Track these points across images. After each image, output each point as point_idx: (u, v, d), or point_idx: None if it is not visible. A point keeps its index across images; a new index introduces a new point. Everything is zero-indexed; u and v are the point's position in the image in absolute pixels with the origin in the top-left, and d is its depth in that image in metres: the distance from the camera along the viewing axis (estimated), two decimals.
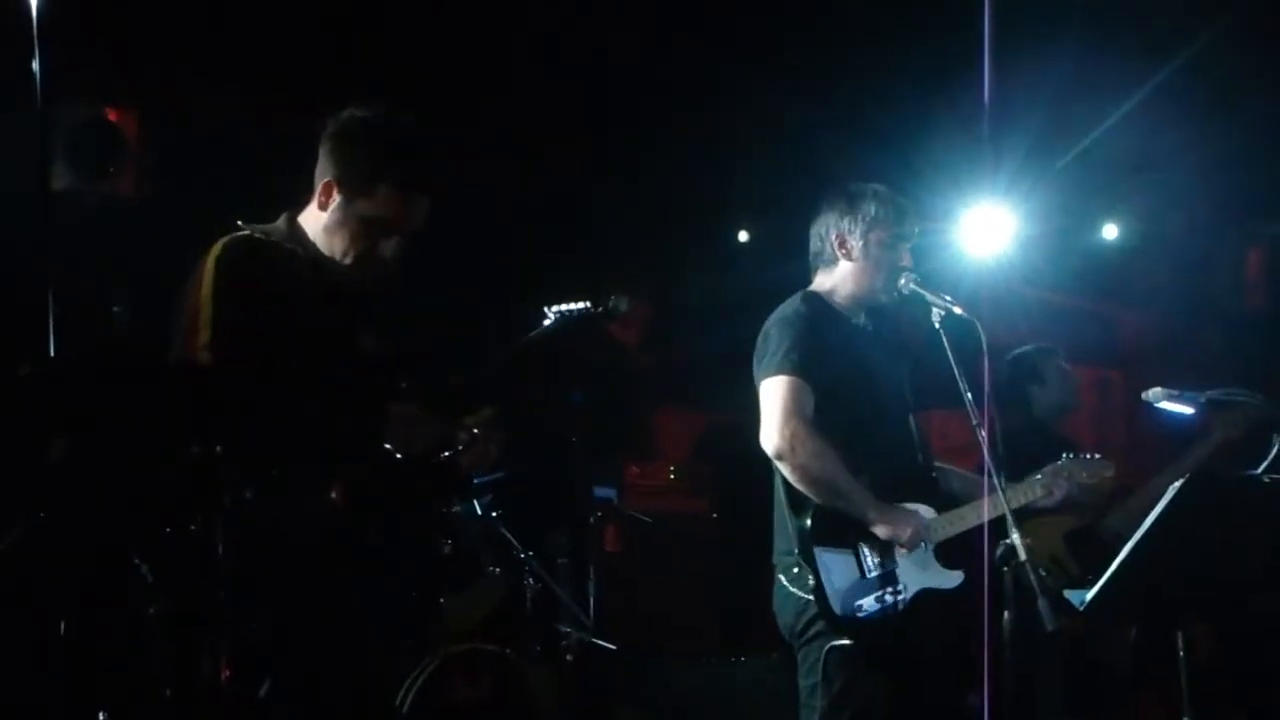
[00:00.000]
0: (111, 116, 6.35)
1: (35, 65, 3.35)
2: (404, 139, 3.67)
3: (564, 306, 5.29)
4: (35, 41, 3.35)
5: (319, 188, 3.67)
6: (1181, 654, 3.93)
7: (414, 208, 3.68)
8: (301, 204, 3.74)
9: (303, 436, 3.50)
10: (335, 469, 3.60)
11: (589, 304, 5.28)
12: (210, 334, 3.44)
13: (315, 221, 3.69)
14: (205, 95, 6.58)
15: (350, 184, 3.64)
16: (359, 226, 3.64)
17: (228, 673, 3.28)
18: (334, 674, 3.58)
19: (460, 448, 3.76)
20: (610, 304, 5.47)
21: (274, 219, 3.72)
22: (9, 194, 3.86)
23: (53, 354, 3.33)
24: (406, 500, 3.88)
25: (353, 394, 3.62)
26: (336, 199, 3.65)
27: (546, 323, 5.28)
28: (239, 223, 3.63)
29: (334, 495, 3.59)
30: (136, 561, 3.56)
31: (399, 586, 4.88)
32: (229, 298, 3.48)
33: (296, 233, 3.70)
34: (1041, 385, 6.17)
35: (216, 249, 3.56)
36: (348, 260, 3.66)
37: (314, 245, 3.68)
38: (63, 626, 3.49)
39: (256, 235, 3.62)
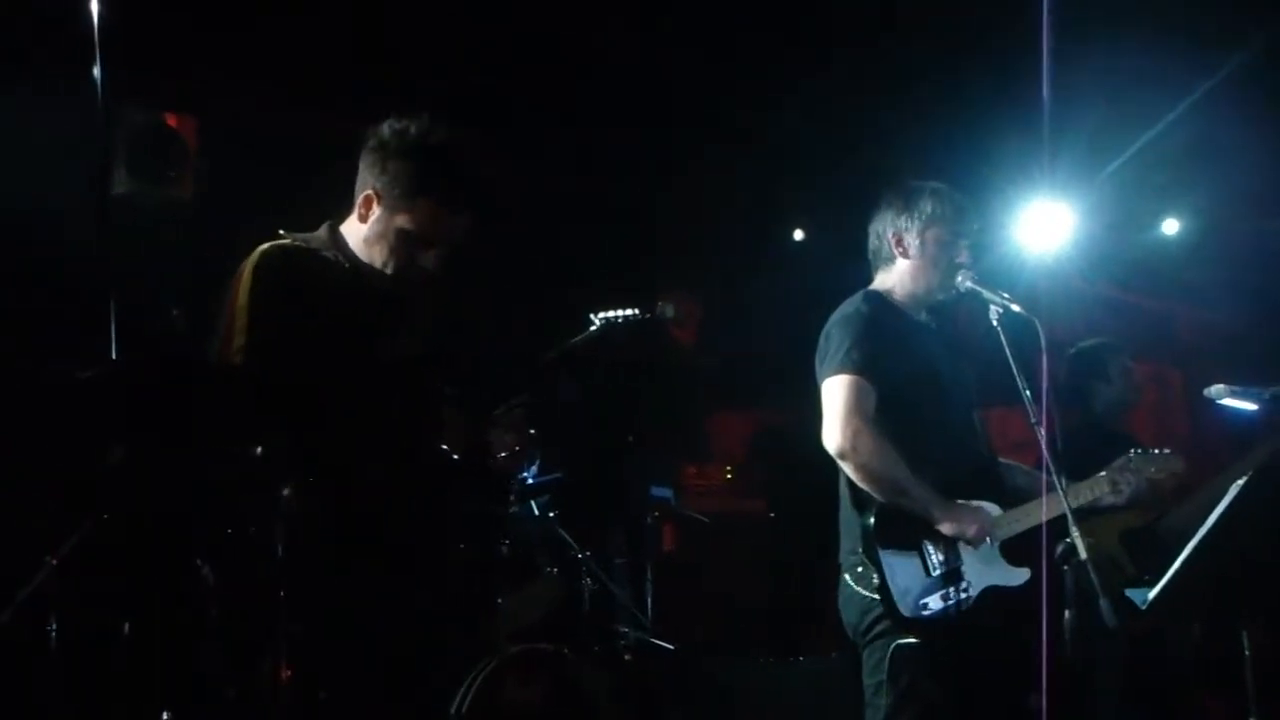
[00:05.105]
0: (171, 122, 6.41)
1: (97, 71, 3.39)
2: (442, 154, 3.69)
3: (611, 313, 5.30)
4: (97, 47, 3.39)
5: (359, 200, 3.72)
6: (1247, 653, 3.88)
7: (453, 221, 3.71)
8: (345, 212, 3.78)
9: (338, 441, 3.53)
10: (383, 471, 3.63)
11: (636, 310, 5.29)
12: (244, 339, 3.50)
13: (356, 232, 3.74)
14: (265, 102, 6.64)
15: (390, 198, 3.67)
16: (398, 240, 3.68)
17: (288, 673, 3.30)
18: (391, 675, 3.60)
19: (515, 449, 3.78)
20: (657, 310, 5.47)
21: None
22: (72, 199, 3.90)
23: (114, 356, 3.37)
24: (458, 502, 3.89)
25: (398, 398, 3.65)
26: (376, 212, 3.69)
27: (592, 329, 5.30)
28: (280, 231, 3.68)
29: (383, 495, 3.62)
30: (198, 563, 3.59)
31: (455, 588, 4.91)
32: (262, 305, 3.54)
33: (338, 241, 3.75)
34: (1107, 382, 6.12)
35: (254, 256, 3.63)
36: (388, 271, 3.70)
37: (354, 254, 3.72)
38: (126, 628, 3.52)
39: (295, 243, 3.68)
